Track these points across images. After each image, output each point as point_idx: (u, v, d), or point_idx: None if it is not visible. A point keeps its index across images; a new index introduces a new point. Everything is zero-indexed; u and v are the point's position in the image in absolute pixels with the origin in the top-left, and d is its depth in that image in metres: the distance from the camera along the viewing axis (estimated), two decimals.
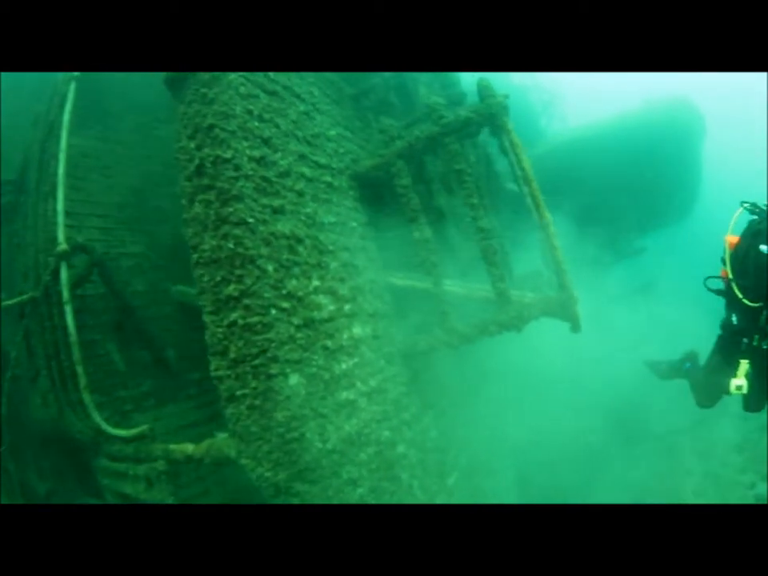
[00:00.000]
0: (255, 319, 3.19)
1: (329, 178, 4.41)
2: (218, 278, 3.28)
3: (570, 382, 7.65)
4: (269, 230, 3.45)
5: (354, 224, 4.60)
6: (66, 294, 4.46)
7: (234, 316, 3.24)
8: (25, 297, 5.49)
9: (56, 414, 5.30)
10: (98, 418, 4.32)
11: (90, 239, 5.49)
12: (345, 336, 3.91)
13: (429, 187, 5.62)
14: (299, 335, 3.41)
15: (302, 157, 4.11)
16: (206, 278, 3.35)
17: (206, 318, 3.38)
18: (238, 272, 3.23)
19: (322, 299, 3.80)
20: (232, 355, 3.26)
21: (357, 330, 4.10)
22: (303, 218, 3.87)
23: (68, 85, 5.42)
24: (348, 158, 4.88)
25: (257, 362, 3.19)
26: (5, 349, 7.29)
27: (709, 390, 4.47)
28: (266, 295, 3.25)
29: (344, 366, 3.80)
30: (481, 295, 4.91)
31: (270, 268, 3.36)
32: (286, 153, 3.90)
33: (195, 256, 3.40)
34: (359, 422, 3.78)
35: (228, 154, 3.33)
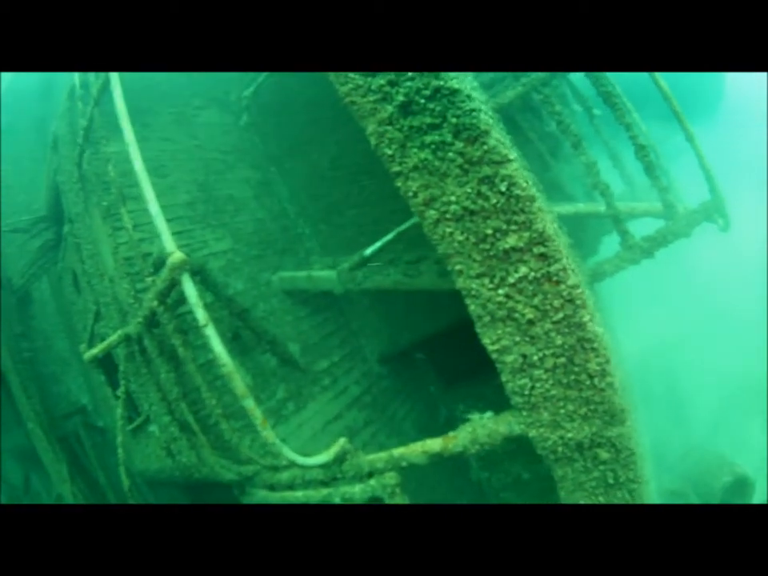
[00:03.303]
0: (556, 267, 2.70)
1: (489, 111, 3.89)
2: (488, 231, 2.72)
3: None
4: (514, 167, 2.91)
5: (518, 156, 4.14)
6: (202, 316, 3.56)
7: (523, 270, 2.72)
8: (113, 338, 4.60)
9: (194, 461, 4.54)
10: (288, 451, 3.62)
11: None
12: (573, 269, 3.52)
13: (538, 115, 5.20)
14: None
15: (474, 89, 3.56)
16: (460, 236, 2.77)
17: (469, 284, 2.83)
18: (519, 218, 2.67)
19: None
20: (528, 316, 2.76)
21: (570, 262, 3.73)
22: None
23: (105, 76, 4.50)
24: (478, 90, 4.37)
25: (561, 315, 2.73)
26: (81, 403, 6.40)
27: None
28: (555, 237, 2.75)
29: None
30: (642, 210, 4.71)
31: (536, 208, 2.84)
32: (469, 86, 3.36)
33: (432, 213, 2.79)
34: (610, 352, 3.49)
35: (455, 84, 2.73)
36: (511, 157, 2.73)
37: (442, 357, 6.48)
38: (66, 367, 6.46)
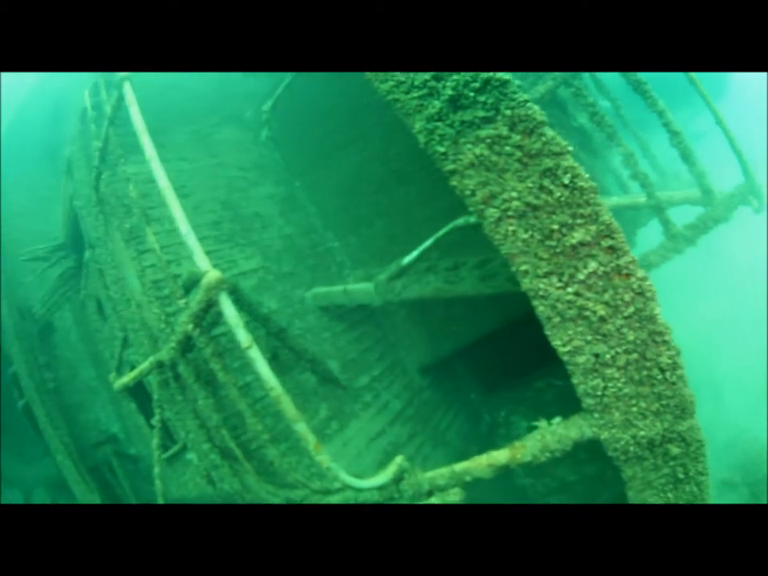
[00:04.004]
0: (625, 259, 2.58)
1: None
2: (553, 227, 2.60)
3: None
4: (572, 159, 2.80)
5: None
6: (244, 337, 3.32)
7: (592, 265, 2.60)
8: (145, 365, 4.42)
9: (237, 488, 4.35)
10: (345, 475, 3.41)
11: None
12: None
13: (565, 110, 5.12)
14: None
15: None
16: (524, 234, 2.65)
17: (537, 284, 2.70)
18: (585, 211, 2.55)
19: None
20: (599, 313, 2.64)
21: None
22: None
23: (119, 91, 4.32)
24: None
25: (632, 309, 2.61)
26: (111, 431, 6.25)
27: None
28: (619, 229, 2.64)
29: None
30: (680, 197, 4.63)
31: (600, 199, 2.73)
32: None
33: (492, 211, 2.67)
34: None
35: (505, 75, 2.62)
36: (569, 148, 2.62)
37: (482, 363, 6.36)
38: (94, 396, 6.34)
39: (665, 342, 2.64)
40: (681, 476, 2.91)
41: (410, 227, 5.16)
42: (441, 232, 4.10)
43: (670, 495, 2.97)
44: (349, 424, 5.08)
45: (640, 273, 2.62)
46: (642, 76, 4.62)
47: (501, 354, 5.81)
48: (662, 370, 2.66)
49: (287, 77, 5.71)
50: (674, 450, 2.84)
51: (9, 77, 7.58)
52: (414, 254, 4.35)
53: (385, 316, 6.07)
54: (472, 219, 3.91)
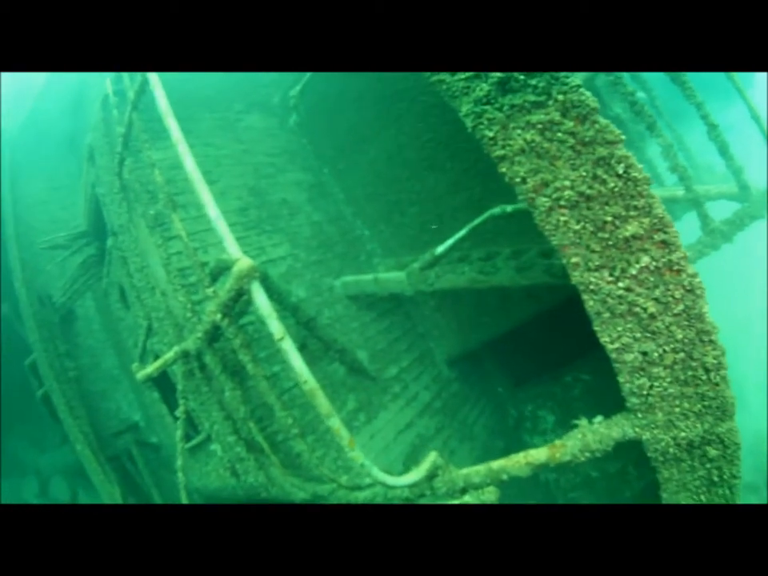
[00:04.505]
0: (677, 255, 2.48)
1: None
2: (607, 218, 2.51)
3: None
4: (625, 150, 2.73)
5: None
6: (276, 328, 3.15)
7: (644, 260, 2.51)
8: (169, 355, 4.33)
9: (262, 481, 4.28)
10: (378, 472, 3.27)
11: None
12: None
13: (601, 100, 5.01)
14: None
15: None
16: (576, 225, 2.56)
17: (587, 278, 2.62)
18: (639, 203, 2.46)
19: None
20: (650, 310, 2.56)
21: None
22: None
23: (143, 75, 4.17)
24: None
25: (681, 306, 2.52)
26: (133, 420, 6.23)
27: None
28: (672, 223, 2.55)
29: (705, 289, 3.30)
30: (716, 192, 4.53)
31: (653, 192, 2.65)
32: None
33: (544, 200, 2.58)
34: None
35: None
36: (623, 137, 2.53)
37: (510, 356, 6.28)
38: (116, 384, 6.32)
39: (711, 342, 2.56)
40: (715, 479, 2.85)
41: (443, 216, 5.07)
42: (476, 221, 4.00)
43: (702, 498, 2.91)
44: (377, 416, 4.99)
45: (690, 269, 2.54)
46: None
47: (529, 348, 5.74)
48: (707, 370, 2.59)
49: None
50: (712, 452, 2.78)
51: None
52: (449, 242, 4.25)
53: (414, 306, 6.00)
54: (509, 208, 3.83)
